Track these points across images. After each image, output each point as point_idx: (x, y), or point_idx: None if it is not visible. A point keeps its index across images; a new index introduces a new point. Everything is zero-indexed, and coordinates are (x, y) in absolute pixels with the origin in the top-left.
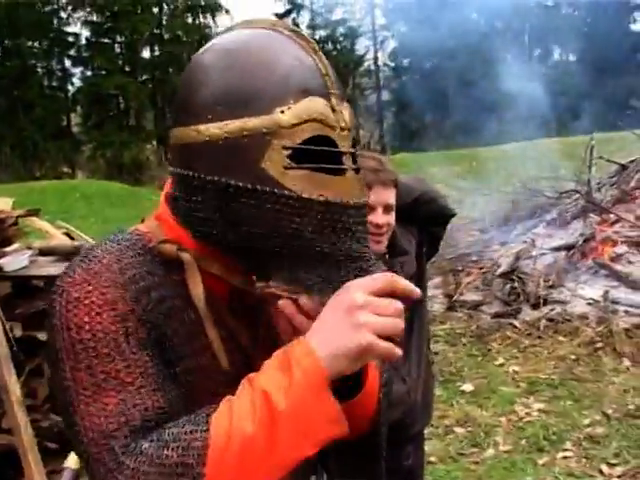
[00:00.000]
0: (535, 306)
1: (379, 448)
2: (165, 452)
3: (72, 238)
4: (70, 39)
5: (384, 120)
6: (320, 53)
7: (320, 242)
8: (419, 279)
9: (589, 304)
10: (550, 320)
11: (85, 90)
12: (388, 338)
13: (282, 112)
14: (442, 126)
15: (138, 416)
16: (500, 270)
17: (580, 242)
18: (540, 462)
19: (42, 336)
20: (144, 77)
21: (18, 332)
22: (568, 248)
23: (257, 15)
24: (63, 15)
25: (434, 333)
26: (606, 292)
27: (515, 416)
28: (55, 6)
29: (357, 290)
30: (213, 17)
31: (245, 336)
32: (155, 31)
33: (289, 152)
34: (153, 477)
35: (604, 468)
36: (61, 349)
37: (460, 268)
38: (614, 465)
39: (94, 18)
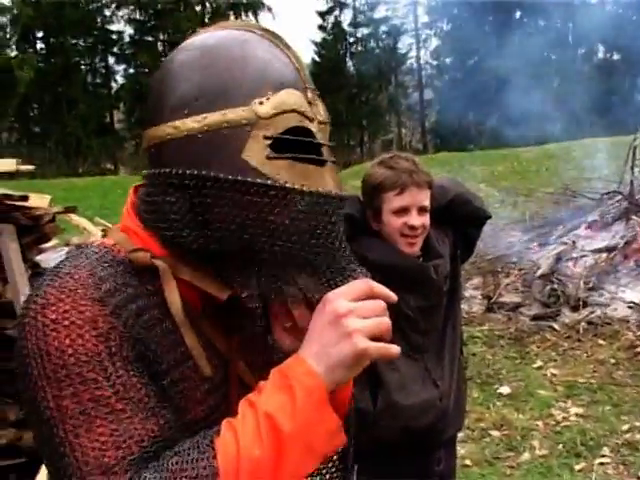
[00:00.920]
0: (575, 308)
1: (348, 459)
2: None
3: None
4: (114, 37)
5: (426, 119)
6: (292, 49)
7: (298, 237)
8: (453, 281)
9: (630, 307)
10: (590, 323)
11: (128, 87)
12: (379, 339)
13: (261, 103)
14: (484, 125)
15: (135, 448)
16: (540, 272)
17: (622, 244)
18: (577, 468)
19: None
20: None
21: None
22: (609, 250)
23: (300, 14)
24: (107, 13)
25: (472, 334)
26: None
27: (552, 420)
28: (99, 4)
29: (337, 299)
30: (255, 15)
31: (220, 341)
32: (198, 29)
33: (270, 142)
34: None
35: None
36: (40, 377)
37: (500, 269)
38: None
39: (137, 16)
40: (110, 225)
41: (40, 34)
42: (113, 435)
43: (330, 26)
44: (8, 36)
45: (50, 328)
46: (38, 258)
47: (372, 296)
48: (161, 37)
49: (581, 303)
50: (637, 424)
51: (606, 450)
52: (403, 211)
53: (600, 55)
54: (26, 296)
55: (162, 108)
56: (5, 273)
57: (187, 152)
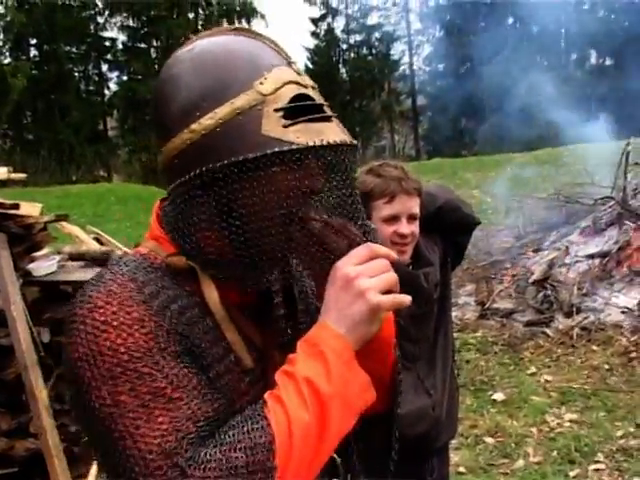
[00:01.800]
0: (568, 314)
1: (394, 430)
2: (233, 454)
3: (102, 243)
4: (107, 44)
5: (419, 125)
6: (264, 36)
7: (330, 192)
8: (444, 288)
9: (623, 313)
10: (583, 329)
11: (121, 94)
12: (389, 293)
13: (261, 83)
14: (477, 131)
15: (193, 428)
16: (533, 278)
17: (615, 250)
18: (571, 474)
19: None
20: None
21: (46, 337)
22: (603, 256)
23: (293, 20)
24: (100, 20)
25: (466, 341)
26: None
27: (546, 426)
28: (92, 11)
29: (346, 266)
30: (248, 22)
31: (255, 335)
32: (191, 36)
33: (281, 113)
34: None
35: None
36: (94, 378)
37: (493, 275)
38: None
39: (130, 23)
40: (102, 233)
41: (33, 41)
42: (172, 422)
43: (323, 33)
44: (1, 43)
45: (101, 329)
46: (30, 267)
47: (375, 257)
48: (154, 44)
49: (574, 309)
50: (631, 430)
51: (600, 456)
52: (393, 219)
53: (593, 61)
54: (16, 304)
55: (172, 121)
56: None
57: (210, 149)
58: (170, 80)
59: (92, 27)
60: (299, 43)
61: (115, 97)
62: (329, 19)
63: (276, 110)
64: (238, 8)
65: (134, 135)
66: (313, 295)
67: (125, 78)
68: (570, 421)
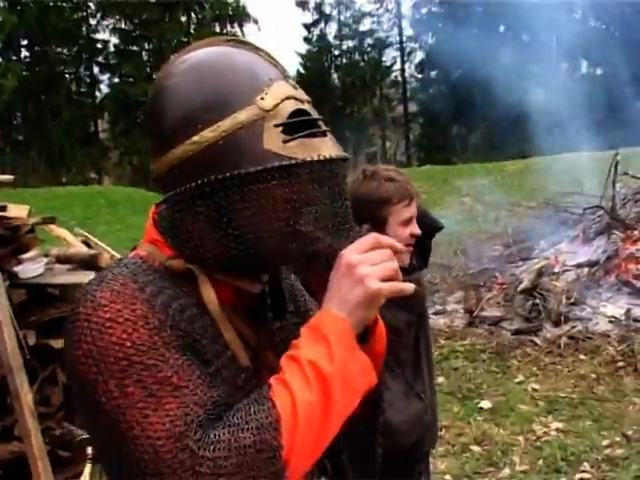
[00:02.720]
0: (556, 323)
1: (376, 434)
2: (241, 434)
3: (90, 246)
4: (99, 46)
5: (411, 131)
6: (261, 49)
7: (323, 204)
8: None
9: (611, 322)
10: (571, 338)
11: (113, 97)
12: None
13: (262, 99)
14: (469, 138)
15: (201, 411)
16: (521, 286)
17: (603, 259)
18: None
19: (56, 344)
20: None
21: (32, 340)
22: (591, 265)
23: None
24: (92, 22)
25: (454, 348)
26: (628, 310)
27: (533, 435)
28: (84, 13)
29: (350, 254)
30: (241, 27)
31: (250, 334)
32: (183, 39)
33: (281, 129)
34: (234, 460)
35: None
36: (100, 373)
37: (482, 283)
38: None
39: (123, 25)
40: (90, 235)
41: (25, 42)
42: (180, 407)
43: (315, 38)
44: None
45: (106, 326)
46: (16, 269)
47: (379, 247)
48: (146, 47)
49: (563, 318)
50: (617, 439)
51: (587, 465)
52: (409, 221)
53: (583, 70)
54: (2, 306)
55: (172, 131)
56: None
57: (212, 161)
58: (168, 90)
59: (84, 29)
60: (292, 48)
61: (106, 99)
62: (322, 25)
63: (276, 125)
64: (231, 12)
65: (125, 138)
66: (302, 297)
67: (116, 80)
68: (557, 430)
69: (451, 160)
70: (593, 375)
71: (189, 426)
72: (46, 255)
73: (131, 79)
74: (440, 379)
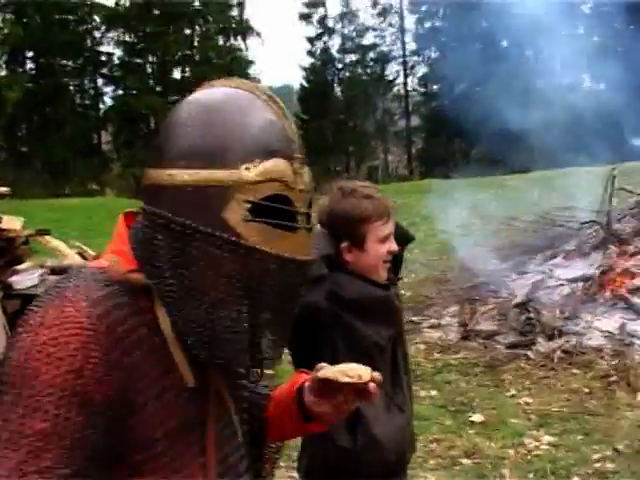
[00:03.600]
0: (550, 337)
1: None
2: None
3: (85, 258)
4: (103, 58)
5: (413, 145)
6: (290, 119)
7: (263, 294)
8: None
9: (605, 337)
10: (565, 352)
11: (116, 109)
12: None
13: (247, 169)
14: (470, 153)
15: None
16: (516, 300)
17: (598, 273)
18: None
19: None
20: (175, 97)
21: None
22: (586, 279)
23: (288, 39)
24: (97, 35)
25: (447, 362)
26: (622, 325)
27: (524, 449)
28: (89, 26)
29: None
30: (244, 39)
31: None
32: (187, 52)
33: (249, 206)
34: None
35: None
36: (6, 382)
37: (477, 297)
38: None
39: (127, 38)
40: (85, 248)
41: (30, 54)
42: (19, 465)
43: (319, 52)
44: None
45: (36, 349)
46: (11, 280)
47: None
48: (150, 59)
49: (557, 332)
50: (608, 454)
51: (576, 479)
52: (387, 238)
53: (586, 85)
54: None
55: (165, 154)
56: None
57: (177, 200)
58: (182, 117)
59: (89, 41)
60: (295, 62)
61: (110, 111)
62: (325, 38)
63: (246, 201)
64: (234, 25)
65: (128, 150)
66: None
67: (120, 92)
68: (548, 444)
69: (452, 174)
70: (586, 389)
71: None
72: (41, 266)
73: (135, 91)
74: (432, 392)
